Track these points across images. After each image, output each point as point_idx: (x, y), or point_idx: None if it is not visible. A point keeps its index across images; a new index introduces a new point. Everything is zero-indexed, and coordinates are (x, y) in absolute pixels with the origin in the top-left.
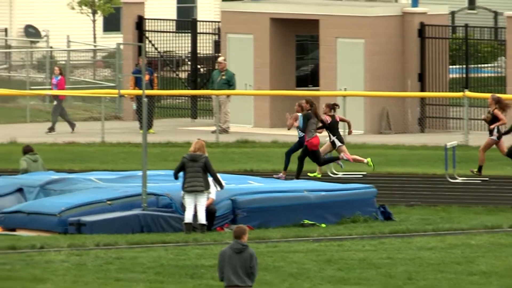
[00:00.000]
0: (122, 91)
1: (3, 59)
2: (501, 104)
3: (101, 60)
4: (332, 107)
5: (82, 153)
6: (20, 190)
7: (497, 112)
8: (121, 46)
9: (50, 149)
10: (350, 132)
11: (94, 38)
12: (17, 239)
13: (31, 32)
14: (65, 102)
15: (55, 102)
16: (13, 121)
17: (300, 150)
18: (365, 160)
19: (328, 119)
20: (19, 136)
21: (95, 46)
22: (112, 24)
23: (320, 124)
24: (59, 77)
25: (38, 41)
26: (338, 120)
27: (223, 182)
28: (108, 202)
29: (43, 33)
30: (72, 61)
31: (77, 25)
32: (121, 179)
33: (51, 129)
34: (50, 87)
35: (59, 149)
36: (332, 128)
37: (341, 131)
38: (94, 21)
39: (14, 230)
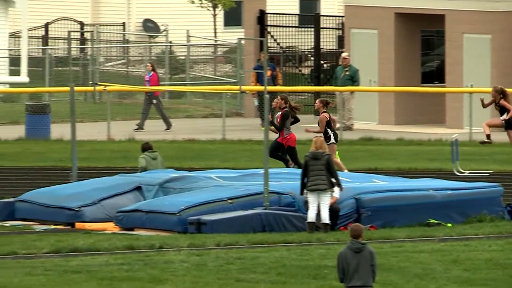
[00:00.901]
0: (243, 87)
1: (121, 54)
2: (504, 94)
3: (222, 56)
4: (326, 103)
5: (203, 151)
6: (138, 188)
7: (504, 102)
8: (242, 41)
9: (170, 146)
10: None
11: (215, 33)
12: (135, 238)
13: (150, 26)
14: (185, 99)
15: (154, 101)
16: (131, 117)
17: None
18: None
19: (327, 116)
20: (138, 133)
21: (215, 41)
22: (233, 18)
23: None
24: (152, 73)
25: (157, 36)
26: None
27: (341, 184)
28: (229, 201)
29: (162, 28)
30: (192, 57)
31: (197, 19)
32: (242, 177)
33: (139, 127)
34: (168, 82)
35: (178, 146)
36: (330, 124)
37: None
38: (214, 15)
39: (132, 229)
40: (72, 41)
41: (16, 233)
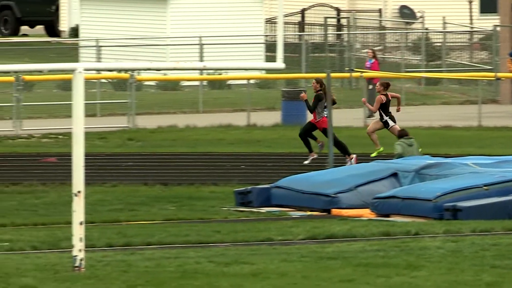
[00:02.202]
0: (499, 74)
1: (377, 41)
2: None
3: (478, 42)
4: (386, 86)
5: (459, 138)
6: (394, 175)
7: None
8: (498, 28)
9: (426, 133)
10: (398, 109)
11: (471, 19)
12: (391, 225)
13: (406, 13)
14: (441, 85)
15: (370, 86)
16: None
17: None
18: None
19: (383, 98)
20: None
21: (471, 28)
22: (489, 5)
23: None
24: (373, 60)
25: (413, 23)
26: (390, 98)
27: None
28: (485, 187)
29: (418, 15)
30: (447, 43)
31: (453, 6)
32: (498, 163)
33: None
34: (425, 69)
35: (434, 133)
36: (386, 107)
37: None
38: (470, 2)
39: (388, 216)
40: (328, 27)
41: (272, 220)
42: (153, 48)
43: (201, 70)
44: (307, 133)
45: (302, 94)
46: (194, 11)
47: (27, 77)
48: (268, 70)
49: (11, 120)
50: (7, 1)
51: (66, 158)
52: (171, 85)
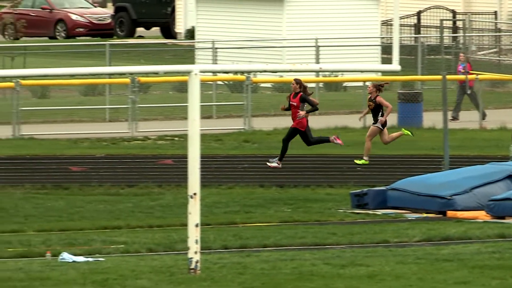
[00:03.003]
0: None
1: (492, 43)
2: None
3: None
4: (379, 88)
5: None
6: (510, 177)
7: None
8: None
9: None
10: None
11: None
12: (506, 227)
13: None
14: None
15: (468, 91)
16: (503, 106)
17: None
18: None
19: (381, 101)
20: (509, 121)
21: None
22: None
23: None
24: (465, 64)
25: None
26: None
27: None
28: None
29: None
30: None
31: None
32: None
33: (454, 118)
34: None
35: None
36: (378, 110)
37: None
38: None
39: (503, 218)
40: (444, 30)
41: (388, 222)
42: (269, 50)
43: (317, 72)
44: (289, 138)
45: (282, 107)
46: (310, 13)
47: (143, 79)
48: (384, 72)
49: (127, 122)
50: (123, 3)
51: (182, 160)
52: (287, 87)
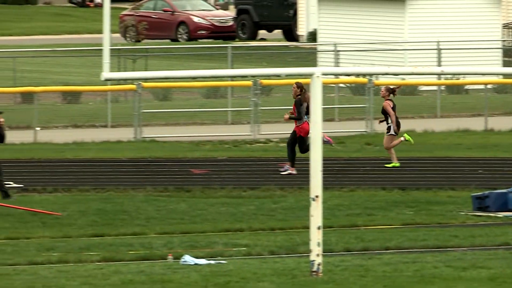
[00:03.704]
0: None
1: None
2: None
3: None
4: (392, 91)
5: None
6: None
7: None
8: None
9: None
10: (380, 121)
11: None
12: None
13: None
14: None
15: None
16: None
17: None
18: (402, 138)
19: (390, 103)
20: None
21: None
22: None
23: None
24: None
25: None
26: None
27: None
28: None
29: None
30: None
31: None
32: None
33: None
34: None
35: None
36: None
37: None
38: None
39: None
40: None
41: (509, 224)
42: (390, 52)
43: (439, 75)
44: (294, 143)
45: (285, 117)
46: (432, 16)
47: (265, 82)
48: (506, 75)
49: (249, 125)
50: (245, 5)
51: (304, 163)
52: (409, 90)
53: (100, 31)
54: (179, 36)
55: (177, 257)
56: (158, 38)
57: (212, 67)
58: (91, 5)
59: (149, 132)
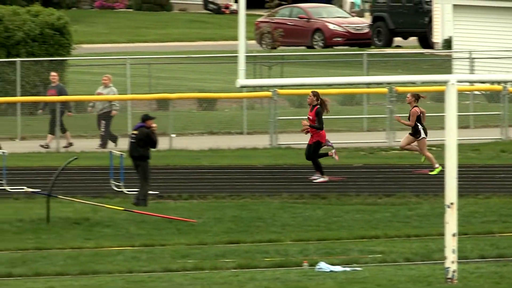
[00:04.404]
0: None
1: None
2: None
3: None
4: (418, 97)
5: None
6: None
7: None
8: None
9: None
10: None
11: None
12: None
13: None
14: None
15: None
16: None
17: None
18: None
19: (418, 110)
20: None
21: None
22: None
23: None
24: None
25: None
26: (423, 110)
27: None
28: None
29: None
30: None
31: None
32: None
33: None
34: None
35: None
36: (420, 119)
37: None
38: None
39: None
40: None
41: None
42: None
43: None
44: (315, 153)
45: (304, 126)
46: None
47: (400, 89)
48: None
49: (384, 132)
50: (380, 12)
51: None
52: None
53: (235, 38)
54: (315, 43)
55: (313, 264)
56: (294, 45)
57: (348, 74)
58: (227, 12)
59: (285, 139)
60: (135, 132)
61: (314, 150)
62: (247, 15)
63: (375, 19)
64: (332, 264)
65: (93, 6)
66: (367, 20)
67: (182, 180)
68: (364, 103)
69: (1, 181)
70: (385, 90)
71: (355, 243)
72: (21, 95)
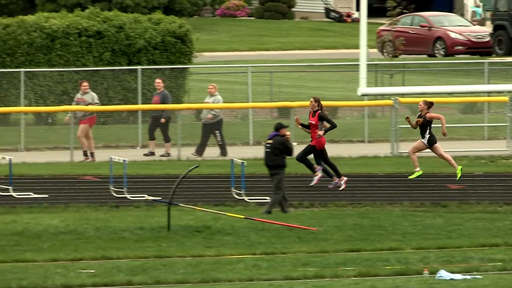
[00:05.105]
0: None
1: None
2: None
3: None
4: (430, 105)
5: None
6: None
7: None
8: None
9: None
10: (444, 133)
11: None
12: None
13: None
14: None
15: None
16: None
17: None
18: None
19: (431, 116)
20: None
21: None
22: None
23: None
24: None
25: None
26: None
27: None
28: None
29: None
30: None
31: None
32: None
33: None
34: None
35: None
36: (429, 126)
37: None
38: None
39: None
40: None
41: None
42: None
43: None
44: (323, 157)
45: (296, 118)
46: None
47: None
48: None
49: (505, 140)
50: (502, 21)
51: None
52: None
53: (357, 46)
54: (436, 51)
55: (433, 272)
56: (415, 54)
57: (469, 82)
58: (348, 20)
59: (406, 148)
60: (269, 141)
61: (304, 153)
62: (369, 23)
63: (496, 28)
64: (452, 272)
65: (214, 14)
66: (488, 28)
67: (303, 188)
68: (485, 111)
69: (122, 189)
70: (506, 98)
71: (475, 251)
72: (142, 103)
